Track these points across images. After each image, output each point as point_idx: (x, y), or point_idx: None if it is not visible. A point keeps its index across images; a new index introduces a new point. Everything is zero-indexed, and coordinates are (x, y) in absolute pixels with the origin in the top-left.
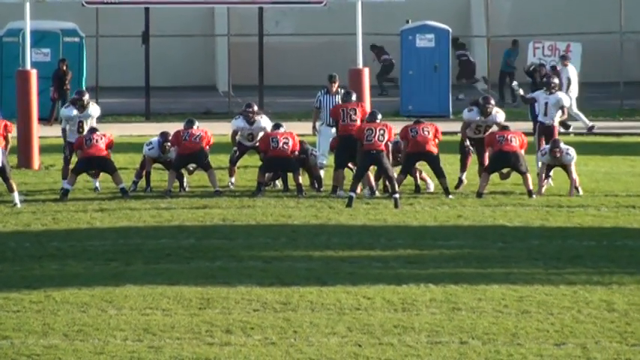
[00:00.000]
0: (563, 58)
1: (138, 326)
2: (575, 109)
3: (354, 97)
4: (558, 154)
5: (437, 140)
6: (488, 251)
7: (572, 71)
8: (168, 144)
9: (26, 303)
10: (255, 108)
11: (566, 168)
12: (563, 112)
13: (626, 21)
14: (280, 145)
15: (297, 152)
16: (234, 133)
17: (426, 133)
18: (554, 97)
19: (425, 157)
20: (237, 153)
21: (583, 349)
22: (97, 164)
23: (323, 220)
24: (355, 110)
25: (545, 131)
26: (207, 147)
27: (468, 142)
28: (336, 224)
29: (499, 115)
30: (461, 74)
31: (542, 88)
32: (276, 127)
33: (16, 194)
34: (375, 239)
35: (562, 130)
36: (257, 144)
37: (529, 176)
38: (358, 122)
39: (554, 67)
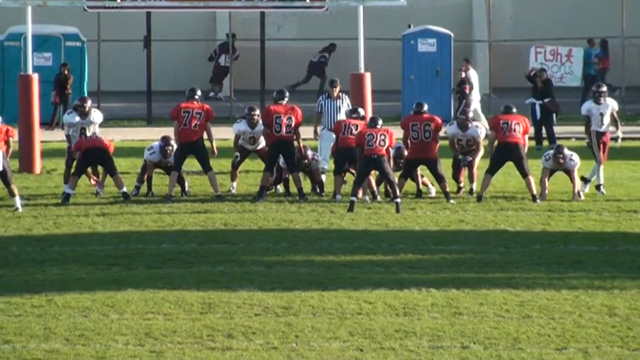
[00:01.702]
0: (467, 61)
1: (139, 331)
2: (479, 112)
3: (361, 114)
4: (562, 160)
5: (436, 143)
6: (489, 256)
7: (474, 75)
8: (170, 147)
9: (28, 307)
10: (258, 112)
11: (569, 173)
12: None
13: (628, 26)
14: (283, 129)
15: (300, 124)
16: (237, 137)
17: (427, 134)
18: (606, 106)
19: (425, 162)
20: (239, 158)
21: (584, 353)
22: (98, 156)
23: (325, 224)
24: (357, 127)
25: (602, 137)
26: (208, 123)
27: (458, 154)
28: (337, 229)
29: (479, 130)
30: (213, 78)
31: (539, 95)
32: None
33: (17, 199)
34: (377, 244)
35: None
36: (258, 148)
37: (532, 179)
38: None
39: (461, 70)
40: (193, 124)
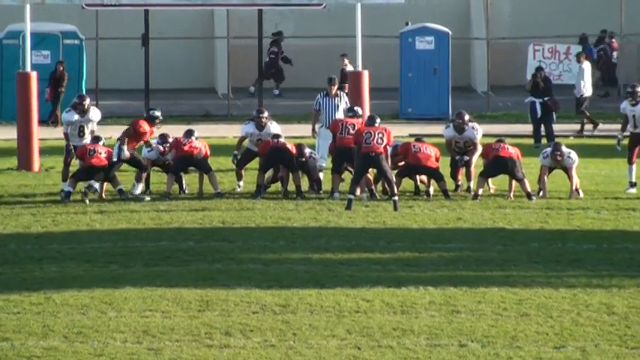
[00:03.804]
0: (344, 56)
1: (137, 328)
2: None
3: (359, 112)
4: (560, 158)
5: (437, 162)
6: (487, 254)
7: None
8: (167, 145)
9: (26, 305)
10: (266, 114)
11: (567, 171)
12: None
13: (627, 23)
14: (280, 141)
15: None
16: (242, 139)
17: (429, 151)
18: (639, 107)
19: (424, 171)
20: (239, 157)
21: (582, 352)
22: (99, 171)
23: (322, 222)
24: (354, 126)
25: (636, 138)
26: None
27: (456, 156)
28: (335, 227)
29: (475, 131)
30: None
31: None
32: (276, 137)
33: (140, 186)
34: (374, 242)
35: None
36: None
37: (526, 181)
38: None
39: (342, 70)
40: (192, 144)
